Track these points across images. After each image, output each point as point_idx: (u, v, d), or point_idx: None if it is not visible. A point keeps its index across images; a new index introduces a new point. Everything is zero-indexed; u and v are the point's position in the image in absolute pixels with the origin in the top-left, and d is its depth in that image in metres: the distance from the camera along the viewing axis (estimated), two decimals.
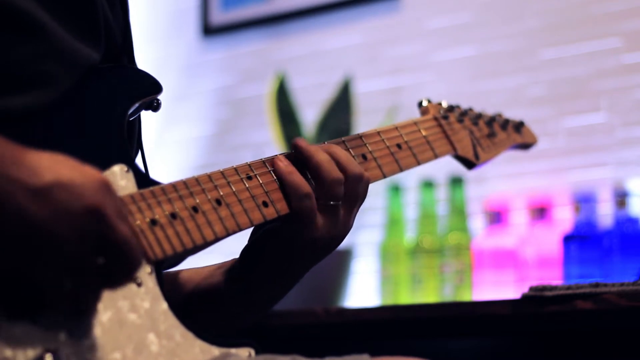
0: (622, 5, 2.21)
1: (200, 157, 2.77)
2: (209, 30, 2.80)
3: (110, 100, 1.05)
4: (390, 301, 2.22)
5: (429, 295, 2.17)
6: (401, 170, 1.24)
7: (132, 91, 1.07)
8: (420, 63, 2.47)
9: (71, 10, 1.04)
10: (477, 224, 2.27)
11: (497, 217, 2.18)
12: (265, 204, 1.08)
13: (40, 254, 0.83)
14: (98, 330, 0.91)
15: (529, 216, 2.15)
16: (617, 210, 2.02)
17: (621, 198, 2.01)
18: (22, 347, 0.85)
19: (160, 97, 1.11)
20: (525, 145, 1.51)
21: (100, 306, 0.92)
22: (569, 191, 2.17)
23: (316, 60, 2.63)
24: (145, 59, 2.88)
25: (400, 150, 1.25)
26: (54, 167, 0.85)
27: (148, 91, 1.09)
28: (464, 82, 2.40)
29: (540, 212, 2.13)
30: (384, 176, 1.21)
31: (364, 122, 2.38)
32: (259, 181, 1.08)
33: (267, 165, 1.10)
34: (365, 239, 2.42)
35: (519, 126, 1.48)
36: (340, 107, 2.36)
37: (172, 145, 2.81)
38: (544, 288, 1.53)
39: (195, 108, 2.80)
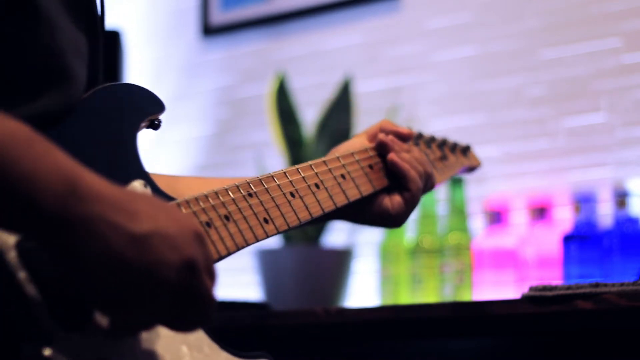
0: (622, 5, 2.21)
1: (200, 157, 2.77)
2: (209, 30, 2.80)
3: (121, 116, 1.07)
4: (390, 301, 2.22)
5: (429, 295, 2.17)
6: (374, 189, 1.32)
7: (140, 109, 1.09)
8: (420, 63, 2.47)
9: None
10: (477, 224, 2.27)
11: (497, 217, 2.18)
12: (266, 221, 1.12)
13: (127, 296, 0.84)
14: (139, 342, 0.95)
15: (529, 216, 2.15)
16: (617, 210, 2.02)
17: (621, 198, 2.01)
18: (76, 356, 0.87)
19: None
20: (471, 168, 1.56)
21: None
22: (569, 191, 2.17)
23: (316, 60, 2.63)
24: (145, 59, 2.89)
25: (372, 170, 1.32)
26: (152, 213, 0.86)
27: (153, 109, 1.10)
28: (464, 82, 2.40)
29: (540, 212, 2.13)
30: (361, 195, 1.29)
31: (364, 122, 2.38)
32: (259, 199, 1.12)
33: (264, 183, 1.14)
34: (365, 239, 2.42)
35: (465, 150, 1.53)
36: (340, 107, 2.36)
37: (172, 145, 2.81)
38: (544, 288, 1.53)
39: (195, 108, 2.80)
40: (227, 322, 1.84)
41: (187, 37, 2.86)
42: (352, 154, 1.31)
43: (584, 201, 2.06)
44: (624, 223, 2.00)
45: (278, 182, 1.17)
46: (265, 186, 1.14)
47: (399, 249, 2.24)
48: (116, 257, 0.83)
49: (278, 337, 1.89)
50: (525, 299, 1.54)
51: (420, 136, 1.44)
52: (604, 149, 2.19)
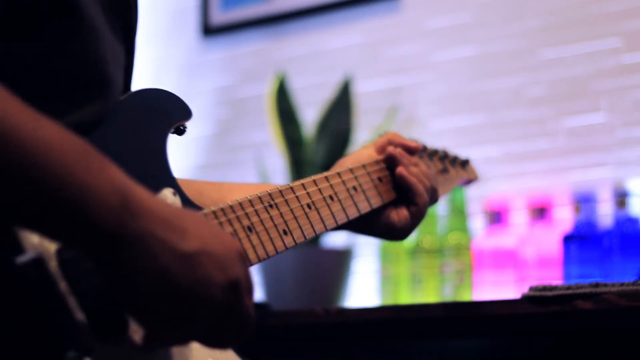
0: (622, 5, 2.21)
1: (200, 157, 2.77)
2: (209, 30, 2.80)
3: (150, 122, 1.08)
4: (390, 301, 2.22)
5: (429, 295, 2.17)
6: (383, 202, 1.33)
7: (169, 115, 1.10)
8: (420, 63, 2.47)
9: (111, 3, 1.04)
10: (477, 224, 2.27)
11: (497, 217, 2.18)
12: (285, 232, 1.12)
13: (171, 312, 0.85)
14: (170, 354, 0.96)
15: (529, 216, 2.15)
16: (617, 210, 2.02)
17: (621, 198, 2.01)
18: None
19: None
20: (469, 182, 1.57)
21: None
22: (569, 191, 2.17)
23: (316, 60, 2.63)
24: (145, 59, 2.89)
25: (381, 183, 1.33)
26: (199, 232, 0.87)
27: (181, 115, 1.13)
28: (464, 82, 2.40)
29: (540, 212, 2.13)
30: (371, 208, 1.30)
31: (364, 122, 2.39)
32: (279, 210, 1.13)
33: (284, 194, 1.15)
34: (365, 239, 2.41)
35: (464, 163, 1.54)
36: (340, 107, 2.36)
37: (172, 145, 2.81)
38: (544, 288, 1.53)
39: (195, 108, 2.79)
40: None
41: (187, 37, 2.86)
42: (363, 166, 1.31)
43: (584, 201, 2.06)
44: (624, 223, 2.00)
45: (296, 194, 1.17)
46: (285, 197, 1.15)
47: (399, 249, 2.25)
48: (165, 273, 0.83)
49: (278, 337, 1.89)
50: (525, 299, 1.54)
51: (424, 149, 1.45)
52: (604, 149, 2.19)
